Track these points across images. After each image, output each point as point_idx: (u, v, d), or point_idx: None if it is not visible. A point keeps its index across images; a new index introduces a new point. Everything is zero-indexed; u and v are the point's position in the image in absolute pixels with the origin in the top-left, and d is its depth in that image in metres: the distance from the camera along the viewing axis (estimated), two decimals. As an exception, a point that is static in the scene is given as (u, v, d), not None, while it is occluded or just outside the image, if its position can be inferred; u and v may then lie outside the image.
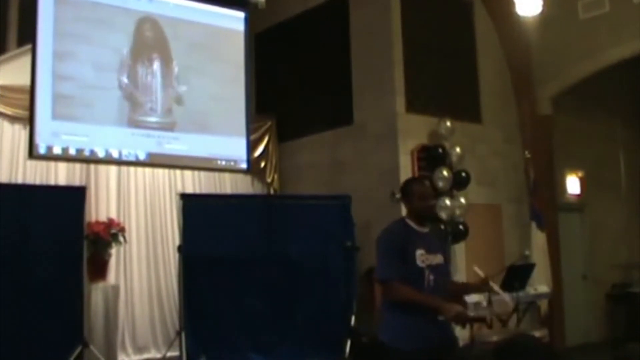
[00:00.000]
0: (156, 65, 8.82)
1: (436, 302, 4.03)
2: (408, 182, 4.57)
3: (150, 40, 8.85)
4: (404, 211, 8.55)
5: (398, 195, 8.44)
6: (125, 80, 8.47)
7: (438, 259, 4.26)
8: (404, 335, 4.12)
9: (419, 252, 4.16)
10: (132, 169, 8.89)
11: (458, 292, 4.42)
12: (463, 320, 4.25)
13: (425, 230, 4.31)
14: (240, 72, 9.49)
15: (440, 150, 9.00)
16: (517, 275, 7.93)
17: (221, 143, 9.18)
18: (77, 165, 8.50)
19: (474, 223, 9.01)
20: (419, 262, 4.15)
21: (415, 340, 4.08)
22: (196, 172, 9.48)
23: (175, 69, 8.94)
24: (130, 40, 8.64)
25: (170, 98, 8.87)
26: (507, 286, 7.69)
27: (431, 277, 4.17)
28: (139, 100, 8.60)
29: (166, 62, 8.89)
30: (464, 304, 4.59)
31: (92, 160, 8.35)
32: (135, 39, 8.68)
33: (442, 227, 8.53)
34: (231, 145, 9.28)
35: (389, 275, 4.16)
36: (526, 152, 9.84)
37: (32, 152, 7.89)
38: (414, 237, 4.23)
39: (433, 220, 4.34)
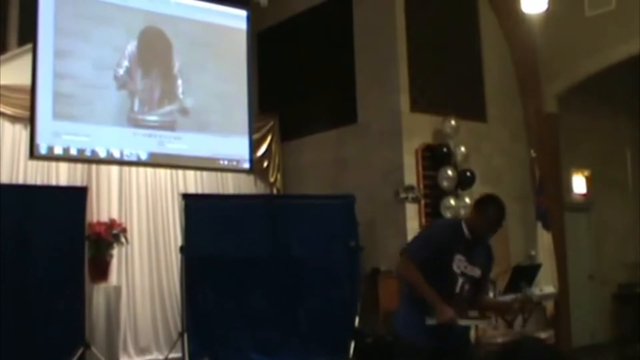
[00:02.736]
0: (158, 64, 8.77)
1: (434, 300, 3.99)
2: (489, 200, 4.24)
3: (153, 40, 8.79)
4: (408, 210, 8.60)
5: (402, 195, 8.48)
6: (120, 72, 8.39)
7: (475, 272, 4.18)
8: (419, 331, 4.08)
9: (458, 257, 4.10)
10: (133, 169, 8.83)
11: (483, 307, 4.35)
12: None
13: (475, 241, 4.21)
14: (243, 71, 9.44)
15: (444, 149, 8.93)
16: (522, 276, 7.85)
17: (223, 143, 9.12)
18: (79, 166, 8.44)
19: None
20: (455, 267, 4.10)
21: (429, 337, 4.05)
22: (198, 172, 9.42)
23: (177, 68, 8.88)
24: (132, 38, 8.58)
25: (172, 97, 8.81)
26: (512, 287, 7.63)
27: (465, 286, 4.12)
28: (140, 98, 8.54)
29: (168, 61, 8.83)
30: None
31: (93, 160, 8.30)
32: (138, 37, 8.62)
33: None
34: (233, 145, 9.22)
35: (414, 255, 4.12)
36: (532, 151, 9.77)
37: (33, 152, 7.85)
38: (460, 242, 4.16)
39: (483, 240, 4.24)
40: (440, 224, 4.31)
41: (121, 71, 8.41)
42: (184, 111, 8.87)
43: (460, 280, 4.10)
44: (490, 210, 4.14)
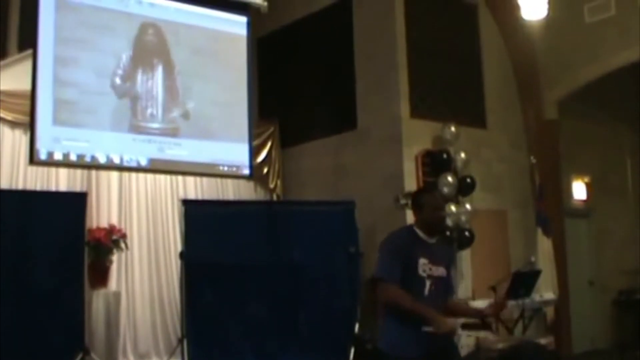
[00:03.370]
0: (158, 70, 8.77)
1: (429, 314, 4.01)
2: (419, 193, 4.63)
3: (152, 46, 8.80)
4: (408, 217, 8.58)
5: (402, 201, 8.47)
6: (118, 81, 8.40)
7: (440, 271, 4.24)
8: (402, 343, 4.12)
9: (422, 261, 4.16)
10: (133, 174, 8.82)
11: (455, 312, 4.40)
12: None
13: (432, 240, 4.29)
14: (243, 77, 9.44)
15: (444, 155, 8.92)
16: (522, 282, 7.84)
17: (223, 149, 9.12)
18: (78, 171, 8.43)
19: (480, 229, 8.93)
20: (420, 271, 4.15)
21: (413, 348, 4.07)
22: (198, 178, 9.40)
23: (177, 75, 8.89)
24: (132, 45, 8.59)
25: (172, 104, 8.81)
26: (512, 293, 7.61)
27: (433, 287, 4.18)
28: (140, 105, 8.55)
29: (168, 68, 8.85)
30: None
31: (93, 166, 8.30)
32: (137, 44, 8.64)
33: (449, 234, 8.46)
34: (234, 151, 9.22)
35: (388, 276, 4.15)
36: (532, 157, 9.77)
37: (32, 158, 7.84)
38: (419, 245, 4.22)
39: (442, 231, 4.31)
40: (395, 234, 4.35)
41: (119, 79, 8.41)
42: (185, 117, 8.88)
43: (427, 283, 4.15)
44: (427, 198, 4.37)
